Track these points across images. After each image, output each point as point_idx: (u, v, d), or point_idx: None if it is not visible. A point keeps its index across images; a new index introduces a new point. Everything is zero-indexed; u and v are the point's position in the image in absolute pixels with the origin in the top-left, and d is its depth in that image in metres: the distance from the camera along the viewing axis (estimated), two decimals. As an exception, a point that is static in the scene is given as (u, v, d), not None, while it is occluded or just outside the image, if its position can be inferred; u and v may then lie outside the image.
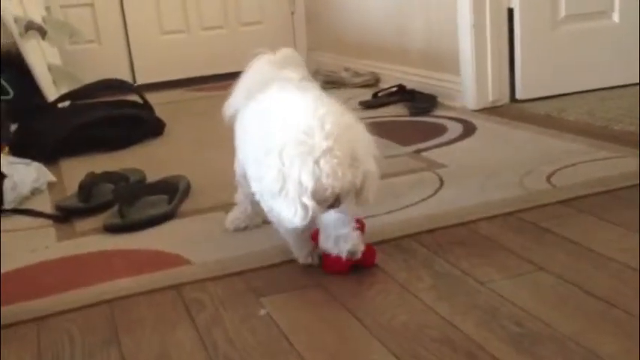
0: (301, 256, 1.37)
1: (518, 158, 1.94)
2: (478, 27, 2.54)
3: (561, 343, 1.02)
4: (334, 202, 1.19)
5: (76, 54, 3.66)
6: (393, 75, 3.15)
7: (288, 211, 1.18)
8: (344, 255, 1.29)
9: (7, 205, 1.89)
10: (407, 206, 1.65)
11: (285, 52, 1.47)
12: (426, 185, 1.79)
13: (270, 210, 1.29)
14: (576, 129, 2.20)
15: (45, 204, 1.94)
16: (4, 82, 3.11)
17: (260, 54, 1.45)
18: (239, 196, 1.57)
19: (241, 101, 1.42)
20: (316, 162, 1.14)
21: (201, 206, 1.79)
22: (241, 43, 3.89)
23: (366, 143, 1.24)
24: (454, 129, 2.35)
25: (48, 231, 1.72)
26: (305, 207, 1.16)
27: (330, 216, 1.29)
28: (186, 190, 1.88)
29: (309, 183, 1.15)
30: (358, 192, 1.22)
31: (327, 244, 1.31)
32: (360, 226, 1.35)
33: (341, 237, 1.29)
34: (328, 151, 1.14)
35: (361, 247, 1.31)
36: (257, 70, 1.44)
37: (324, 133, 1.15)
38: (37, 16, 3.23)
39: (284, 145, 1.16)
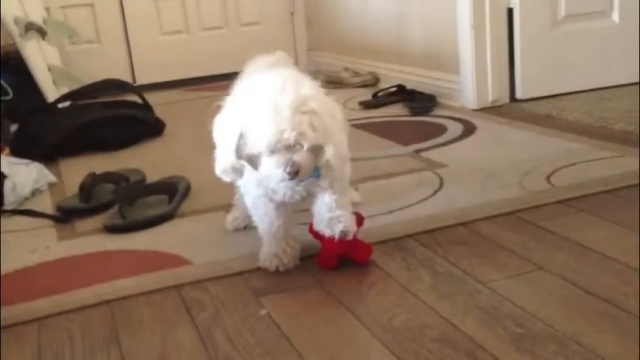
0: (267, 254, 1.37)
1: (518, 158, 1.94)
2: (478, 27, 2.54)
3: (562, 342, 1.02)
4: (294, 169, 1.19)
5: (76, 54, 3.67)
6: (392, 75, 3.15)
7: (271, 165, 1.20)
8: (336, 235, 1.30)
9: (7, 206, 1.89)
10: (407, 206, 1.65)
11: (280, 54, 1.50)
12: (425, 185, 1.79)
13: (252, 206, 1.37)
14: (576, 129, 2.20)
15: (45, 204, 1.94)
16: (3, 83, 3.12)
17: (255, 57, 1.47)
18: (238, 197, 1.57)
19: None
20: (275, 109, 1.18)
21: (201, 206, 1.79)
22: (241, 43, 3.89)
23: (331, 112, 1.25)
24: (454, 129, 2.35)
25: (48, 231, 1.72)
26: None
27: (324, 200, 1.31)
28: (186, 191, 1.88)
29: (267, 124, 1.18)
30: (325, 165, 1.24)
31: (320, 225, 1.33)
32: (359, 218, 1.37)
33: (333, 218, 1.31)
34: (285, 105, 1.18)
35: (354, 229, 1.32)
36: (252, 69, 1.45)
37: (284, 99, 1.19)
38: (37, 16, 3.23)
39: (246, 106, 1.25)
